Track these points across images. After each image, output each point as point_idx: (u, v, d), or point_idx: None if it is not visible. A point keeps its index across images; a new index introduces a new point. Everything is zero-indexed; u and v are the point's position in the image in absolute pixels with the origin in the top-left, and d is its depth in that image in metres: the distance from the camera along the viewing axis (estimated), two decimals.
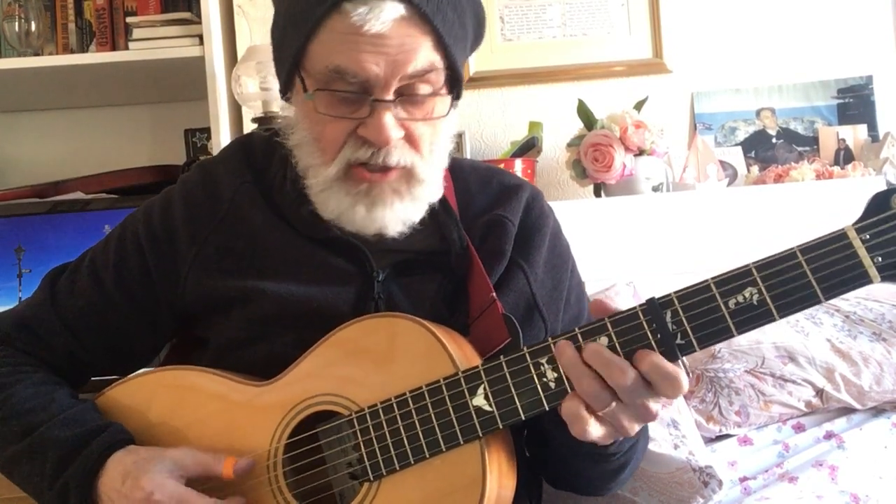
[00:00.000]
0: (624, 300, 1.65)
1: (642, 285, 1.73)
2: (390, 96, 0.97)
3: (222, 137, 1.96)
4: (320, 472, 0.96)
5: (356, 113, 0.98)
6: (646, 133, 1.96)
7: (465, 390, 0.89)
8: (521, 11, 2.27)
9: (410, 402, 0.91)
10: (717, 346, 1.56)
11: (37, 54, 2.09)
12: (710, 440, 1.53)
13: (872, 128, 2.18)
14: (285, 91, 1.07)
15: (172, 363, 1.14)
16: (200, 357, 1.09)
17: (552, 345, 0.87)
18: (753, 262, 0.82)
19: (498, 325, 0.97)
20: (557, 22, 2.26)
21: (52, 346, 1.10)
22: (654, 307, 0.84)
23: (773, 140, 2.23)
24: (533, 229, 1.11)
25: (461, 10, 1.00)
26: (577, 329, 0.87)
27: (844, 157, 2.15)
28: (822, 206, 1.86)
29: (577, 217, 1.74)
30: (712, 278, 0.83)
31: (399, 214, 1.03)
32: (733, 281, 0.82)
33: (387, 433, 0.91)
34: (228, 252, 1.08)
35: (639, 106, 2.04)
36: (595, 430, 0.85)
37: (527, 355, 0.88)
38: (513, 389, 0.88)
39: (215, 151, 1.96)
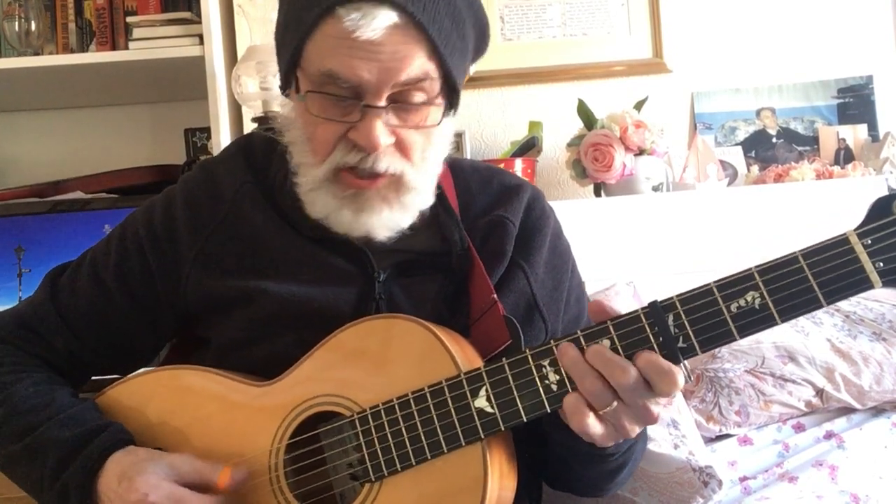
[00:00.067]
0: (624, 300, 1.66)
1: (642, 285, 1.73)
2: (382, 102, 0.96)
3: (222, 137, 1.96)
4: (321, 472, 0.96)
5: (348, 117, 0.98)
6: (646, 133, 1.96)
7: (468, 391, 0.89)
8: (521, 11, 2.27)
9: (412, 402, 0.91)
10: None
11: (37, 54, 2.09)
12: (710, 440, 1.54)
13: (872, 128, 2.18)
14: (285, 87, 1.07)
15: (173, 363, 1.14)
16: (201, 357, 1.09)
17: (554, 347, 0.87)
18: (755, 266, 0.82)
19: (499, 327, 0.97)
20: (557, 22, 2.26)
21: (52, 345, 1.10)
22: (656, 310, 0.84)
23: (774, 140, 2.23)
24: (534, 230, 1.11)
25: (460, 20, 0.99)
26: (579, 331, 0.87)
27: (844, 156, 2.15)
28: (822, 205, 1.86)
29: (577, 217, 1.74)
30: (714, 282, 0.84)
31: (386, 221, 1.02)
32: (735, 285, 0.83)
33: (388, 434, 0.91)
34: (230, 252, 1.08)
35: (639, 106, 2.04)
36: (595, 428, 0.86)
37: (529, 357, 0.88)
38: (515, 391, 0.88)
39: (215, 151, 1.96)
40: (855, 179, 1.97)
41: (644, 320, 0.85)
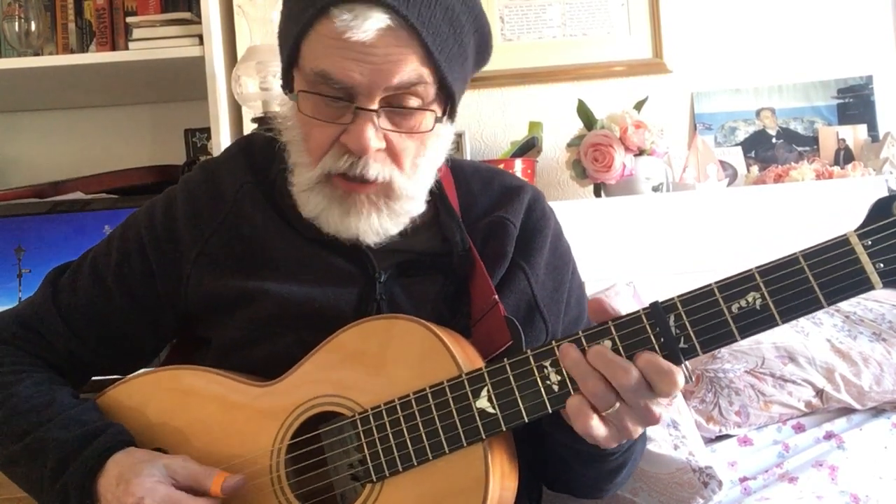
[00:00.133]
0: (624, 300, 1.66)
1: (642, 285, 1.73)
2: (374, 105, 0.96)
3: (222, 137, 1.96)
4: (323, 473, 0.96)
5: (340, 119, 0.98)
6: (646, 133, 1.96)
7: (469, 392, 0.89)
8: (521, 11, 2.27)
9: (414, 403, 0.91)
10: None
11: (37, 54, 2.09)
12: (710, 440, 1.54)
13: (872, 128, 2.18)
14: (285, 85, 1.07)
15: (173, 363, 1.14)
16: (202, 357, 1.09)
17: (556, 347, 0.88)
18: (756, 267, 0.83)
19: (500, 328, 0.97)
20: (557, 22, 2.26)
21: (52, 345, 1.10)
22: (657, 311, 0.84)
23: (773, 140, 2.23)
24: (534, 231, 1.11)
25: (458, 26, 0.99)
26: (580, 332, 0.87)
27: (844, 157, 2.16)
28: (822, 206, 1.86)
29: (577, 217, 1.74)
30: (715, 283, 0.84)
31: (374, 226, 1.02)
32: (736, 285, 0.83)
33: (390, 434, 0.91)
34: (230, 252, 1.08)
35: (639, 106, 2.04)
36: (599, 430, 0.86)
37: (530, 358, 0.88)
38: (516, 392, 0.88)
39: (215, 151, 1.96)
40: (855, 180, 1.97)
41: (645, 321, 0.85)
